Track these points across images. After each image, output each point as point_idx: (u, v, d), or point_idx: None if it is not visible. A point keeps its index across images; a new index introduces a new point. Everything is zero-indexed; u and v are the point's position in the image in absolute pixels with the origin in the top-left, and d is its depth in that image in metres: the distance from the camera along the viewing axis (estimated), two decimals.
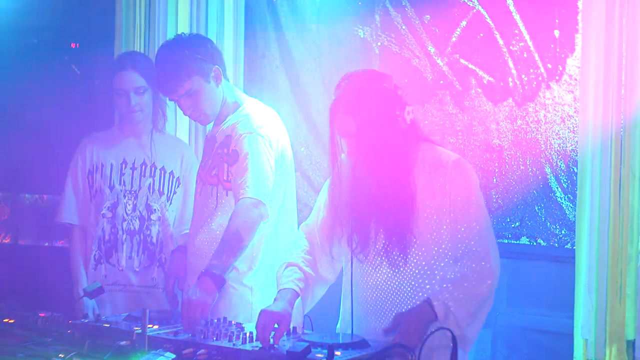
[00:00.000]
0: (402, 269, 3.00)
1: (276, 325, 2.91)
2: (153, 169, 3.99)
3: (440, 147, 3.11)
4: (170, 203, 4.00)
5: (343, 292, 3.21)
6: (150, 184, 3.98)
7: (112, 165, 3.99)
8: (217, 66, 3.60)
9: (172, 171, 4.00)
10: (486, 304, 2.96)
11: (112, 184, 3.98)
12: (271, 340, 2.83)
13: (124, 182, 3.97)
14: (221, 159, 3.59)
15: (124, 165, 3.99)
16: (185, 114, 3.67)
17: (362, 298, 3.08)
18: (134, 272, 3.95)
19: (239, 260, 3.45)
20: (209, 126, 3.83)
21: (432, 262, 3.00)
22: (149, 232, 3.96)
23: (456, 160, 3.03)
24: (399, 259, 2.99)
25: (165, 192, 3.99)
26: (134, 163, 3.99)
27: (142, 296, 3.95)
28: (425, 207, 2.98)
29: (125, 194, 3.97)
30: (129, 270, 3.95)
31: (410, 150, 3.04)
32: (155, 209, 3.97)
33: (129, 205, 3.96)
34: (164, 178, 3.99)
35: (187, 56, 3.53)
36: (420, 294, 2.99)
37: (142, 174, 3.98)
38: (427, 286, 2.99)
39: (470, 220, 2.96)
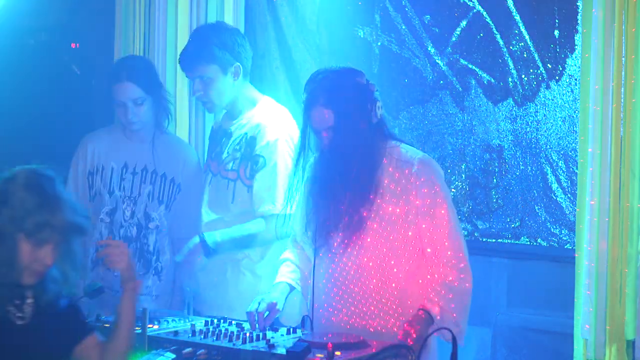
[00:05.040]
0: (366, 262, 3.06)
1: (267, 313, 3.06)
2: (154, 175, 3.92)
3: (406, 145, 3.17)
4: (170, 211, 3.93)
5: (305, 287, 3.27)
6: (150, 192, 3.91)
7: (112, 169, 3.93)
8: (238, 63, 3.69)
9: (173, 178, 3.92)
10: (470, 294, 3.06)
11: (111, 189, 3.92)
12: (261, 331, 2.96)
13: (123, 187, 3.91)
14: (243, 156, 3.67)
15: (124, 170, 3.93)
16: (193, 94, 3.78)
17: (323, 291, 3.13)
18: None
19: (253, 249, 3.63)
20: (218, 118, 3.93)
21: (397, 256, 3.06)
22: (145, 240, 3.90)
23: (422, 158, 3.11)
24: (362, 251, 3.05)
25: (165, 201, 3.92)
26: (134, 168, 3.92)
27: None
28: (391, 201, 3.05)
29: (125, 200, 3.91)
30: None
31: (380, 145, 3.10)
32: (153, 218, 3.90)
33: (127, 211, 3.90)
34: (164, 185, 3.92)
35: (213, 44, 3.65)
36: (384, 287, 3.06)
37: (143, 180, 3.91)
38: (393, 284, 3.07)
39: (438, 217, 3.04)
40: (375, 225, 3.04)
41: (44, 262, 2.48)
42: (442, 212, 3.04)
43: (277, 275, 3.28)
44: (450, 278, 3.01)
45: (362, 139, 3.04)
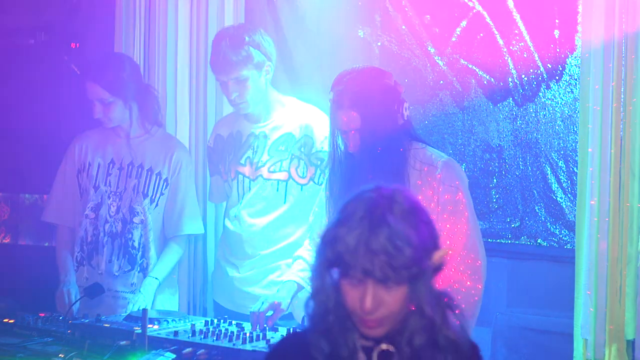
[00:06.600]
0: None
1: (270, 313, 3.10)
2: (139, 169, 3.89)
3: (430, 147, 3.16)
4: (156, 205, 3.88)
5: None
6: (135, 185, 3.88)
7: (99, 165, 3.92)
8: (270, 63, 3.76)
9: (159, 172, 3.89)
10: (480, 303, 3.06)
11: (97, 184, 3.91)
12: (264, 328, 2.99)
13: (109, 182, 3.90)
14: (294, 156, 3.69)
15: (111, 165, 3.92)
16: (228, 97, 3.77)
17: None
18: (113, 277, 3.84)
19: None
20: (224, 123, 3.95)
21: None
22: (130, 236, 3.85)
23: (446, 161, 3.11)
24: None
25: (150, 194, 3.87)
26: (121, 163, 3.91)
27: (120, 302, 3.81)
28: None
29: (110, 195, 3.89)
30: (108, 274, 3.85)
31: (406, 147, 3.10)
32: (138, 212, 3.86)
33: (113, 207, 3.87)
34: (150, 179, 3.88)
35: (248, 44, 3.69)
36: None
37: (128, 174, 3.89)
38: None
39: (459, 221, 3.04)
40: None
41: (363, 306, 1.89)
42: (463, 219, 3.04)
43: (287, 272, 3.31)
44: (465, 283, 3.00)
45: (389, 141, 3.04)
